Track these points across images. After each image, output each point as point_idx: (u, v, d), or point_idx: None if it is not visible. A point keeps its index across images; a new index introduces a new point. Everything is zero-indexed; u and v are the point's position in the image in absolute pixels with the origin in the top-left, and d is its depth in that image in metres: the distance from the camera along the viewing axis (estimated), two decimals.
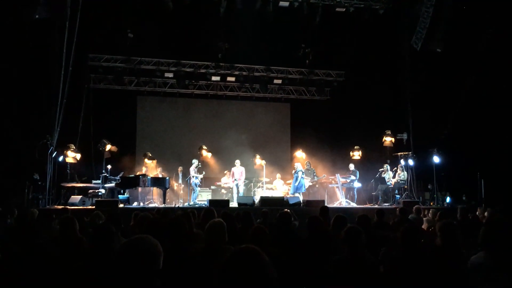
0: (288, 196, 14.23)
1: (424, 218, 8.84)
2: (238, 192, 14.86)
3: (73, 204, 12.38)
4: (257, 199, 13.77)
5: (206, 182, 16.32)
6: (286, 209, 8.20)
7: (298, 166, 14.91)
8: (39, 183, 12.93)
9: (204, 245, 4.02)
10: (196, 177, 14.58)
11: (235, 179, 14.96)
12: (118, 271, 2.11)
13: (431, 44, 14.53)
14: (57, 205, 12.82)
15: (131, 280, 2.08)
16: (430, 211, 9.05)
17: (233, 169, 15.16)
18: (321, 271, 3.96)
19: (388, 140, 15.94)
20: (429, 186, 15.81)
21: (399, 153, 15.68)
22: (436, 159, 14.98)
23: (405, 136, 15.67)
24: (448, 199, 14.99)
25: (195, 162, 14.74)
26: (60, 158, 13.68)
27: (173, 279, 2.68)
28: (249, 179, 16.11)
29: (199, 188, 15.11)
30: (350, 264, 3.68)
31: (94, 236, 3.52)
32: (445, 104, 15.27)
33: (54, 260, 3.93)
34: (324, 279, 3.81)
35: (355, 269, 3.65)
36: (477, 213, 9.03)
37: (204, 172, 15.17)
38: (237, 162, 15.18)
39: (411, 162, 15.19)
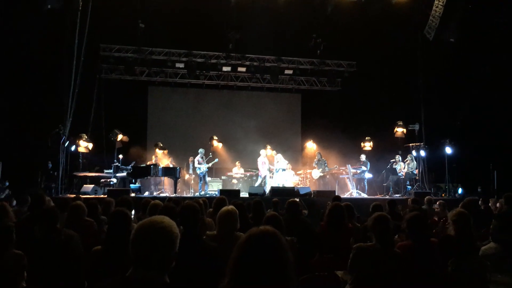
0: (299, 186, 14.24)
1: (435, 210, 8.82)
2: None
3: (85, 193, 12.49)
4: (267, 189, 13.80)
5: (217, 173, 16.36)
6: (294, 199, 8.19)
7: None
8: (51, 172, 13.08)
9: (216, 232, 4.04)
10: (199, 168, 14.55)
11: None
12: (135, 253, 2.08)
13: (444, 34, 14.38)
14: (70, 193, 12.96)
15: (150, 263, 2.06)
16: (440, 202, 9.02)
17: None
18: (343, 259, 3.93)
19: (399, 131, 15.84)
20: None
21: (410, 144, 15.57)
22: (448, 150, 14.84)
23: (417, 126, 15.53)
24: (460, 190, 14.87)
25: (200, 152, 14.74)
26: (73, 148, 13.80)
27: (186, 263, 2.69)
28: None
29: (209, 178, 15.16)
30: (379, 252, 3.57)
31: (110, 221, 3.54)
32: (457, 95, 15.12)
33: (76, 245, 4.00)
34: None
35: (384, 257, 3.55)
36: (489, 204, 8.98)
37: (217, 159, 15.06)
38: (262, 151, 15.53)
39: (422, 153, 15.09)
